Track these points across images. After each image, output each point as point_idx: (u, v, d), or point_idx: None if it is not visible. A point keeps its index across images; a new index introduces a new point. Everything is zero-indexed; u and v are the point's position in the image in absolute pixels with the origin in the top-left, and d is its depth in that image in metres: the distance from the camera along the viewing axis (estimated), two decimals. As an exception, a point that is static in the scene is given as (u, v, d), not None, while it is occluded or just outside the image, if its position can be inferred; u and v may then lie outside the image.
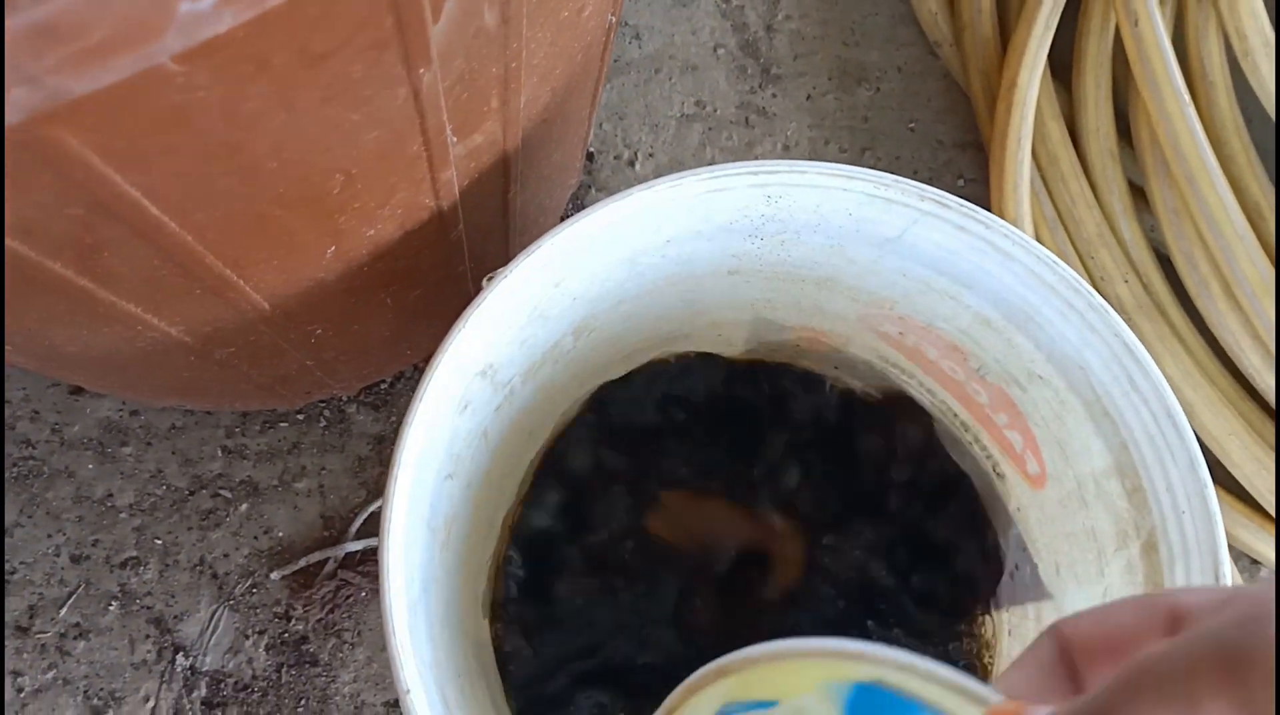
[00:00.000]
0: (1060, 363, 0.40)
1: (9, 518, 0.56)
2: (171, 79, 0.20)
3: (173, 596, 0.56)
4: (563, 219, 0.62)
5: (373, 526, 0.57)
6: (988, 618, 0.49)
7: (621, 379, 0.52)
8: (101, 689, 0.54)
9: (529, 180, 0.44)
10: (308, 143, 0.27)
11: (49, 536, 0.56)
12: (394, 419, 0.59)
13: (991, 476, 0.48)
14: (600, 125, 0.66)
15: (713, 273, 0.44)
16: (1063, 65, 0.65)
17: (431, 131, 0.30)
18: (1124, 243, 0.61)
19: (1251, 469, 0.57)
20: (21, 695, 0.54)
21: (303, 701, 0.54)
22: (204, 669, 0.55)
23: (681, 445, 0.53)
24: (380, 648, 0.56)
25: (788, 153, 0.66)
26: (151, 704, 0.54)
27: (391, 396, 0.60)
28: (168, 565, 0.56)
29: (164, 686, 0.54)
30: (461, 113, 0.31)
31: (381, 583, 0.33)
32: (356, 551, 0.56)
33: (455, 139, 0.33)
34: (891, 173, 0.38)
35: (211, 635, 0.55)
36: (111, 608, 0.55)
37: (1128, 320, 0.51)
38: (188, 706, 0.54)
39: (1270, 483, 0.57)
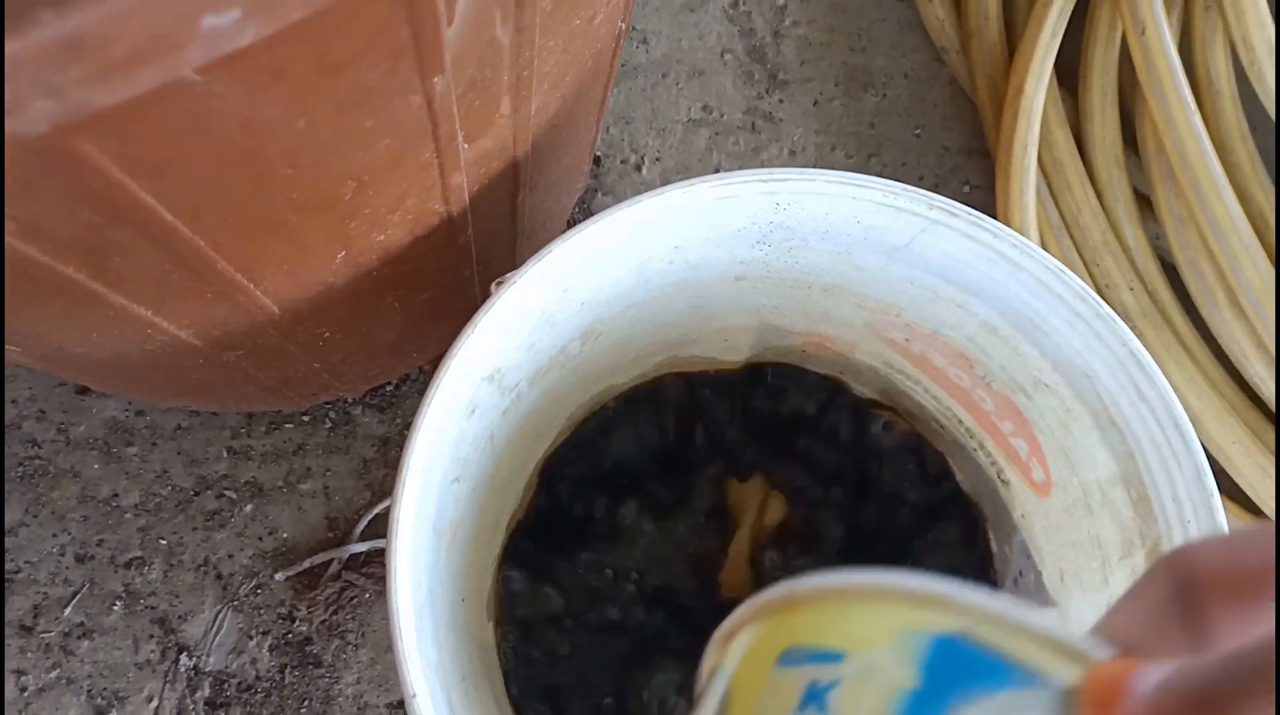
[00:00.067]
0: (1066, 371, 0.40)
1: (14, 517, 0.57)
2: (191, 89, 0.20)
3: (177, 597, 0.56)
4: (569, 223, 0.62)
5: (377, 528, 0.57)
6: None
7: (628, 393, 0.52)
8: (105, 689, 0.54)
9: (538, 185, 0.44)
10: (322, 150, 0.27)
11: (54, 536, 0.57)
12: (399, 421, 0.59)
13: (996, 483, 0.48)
14: (607, 129, 0.66)
15: (720, 279, 0.44)
16: (1069, 72, 0.65)
17: (443, 138, 0.31)
18: (1129, 250, 0.61)
19: (1255, 476, 0.57)
20: (25, 694, 0.54)
21: (306, 702, 0.55)
22: (207, 669, 0.55)
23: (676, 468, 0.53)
24: (384, 649, 0.56)
25: (793, 158, 0.66)
26: (155, 704, 0.54)
27: (397, 399, 0.60)
28: (172, 565, 0.56)
29: (167, 686, 0.54)
30: (473, 119, 0.31)
31: (389, 586, 0.33)
32: (361, 553, 0.56)
33: (466, 145, 0.33)
34: (897, 178, 0.38)
35: (215, 636, 0.55)
36: (115, 607, 0.56)
37: (1132, 327, 0.52)
38: (191, 707, 0.54)
39: (1273, 489, 0.57)
